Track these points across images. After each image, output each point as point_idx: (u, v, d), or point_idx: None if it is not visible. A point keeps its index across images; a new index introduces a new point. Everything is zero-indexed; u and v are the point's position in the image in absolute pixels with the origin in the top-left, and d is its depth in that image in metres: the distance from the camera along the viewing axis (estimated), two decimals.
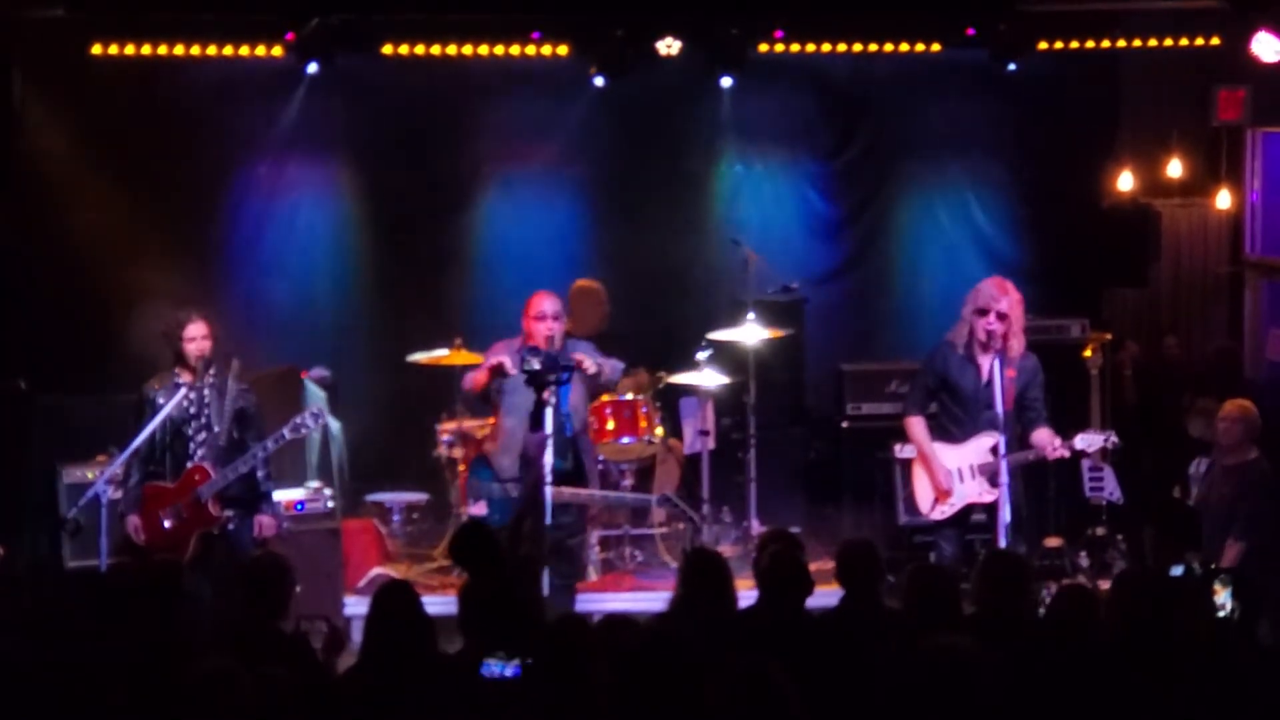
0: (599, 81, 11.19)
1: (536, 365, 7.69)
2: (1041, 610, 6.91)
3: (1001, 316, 8.44)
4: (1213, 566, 7.11)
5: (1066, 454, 8.57)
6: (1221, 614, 6.40)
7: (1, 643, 5.80)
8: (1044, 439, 8.51)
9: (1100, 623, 5.78)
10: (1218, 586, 6.49)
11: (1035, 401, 8.59)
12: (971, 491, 8.54)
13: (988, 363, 8.47)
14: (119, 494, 8.58)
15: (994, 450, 8.42)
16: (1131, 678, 5.46)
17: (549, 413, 8.19)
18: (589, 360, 8.59)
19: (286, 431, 8.32)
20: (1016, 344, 8.51)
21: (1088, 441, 8.58)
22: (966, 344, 8.57)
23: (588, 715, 5.09)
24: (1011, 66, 11.33)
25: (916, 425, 8.73)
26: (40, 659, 5.39)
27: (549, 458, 8.15)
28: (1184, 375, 11.74)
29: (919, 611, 6.09)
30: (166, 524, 8.30)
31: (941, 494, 8.57)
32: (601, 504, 9.34)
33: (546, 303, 8.61)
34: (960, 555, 8.56)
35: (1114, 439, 8.70)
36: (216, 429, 8.34)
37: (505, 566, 6.46)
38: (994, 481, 8.40)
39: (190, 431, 8.34)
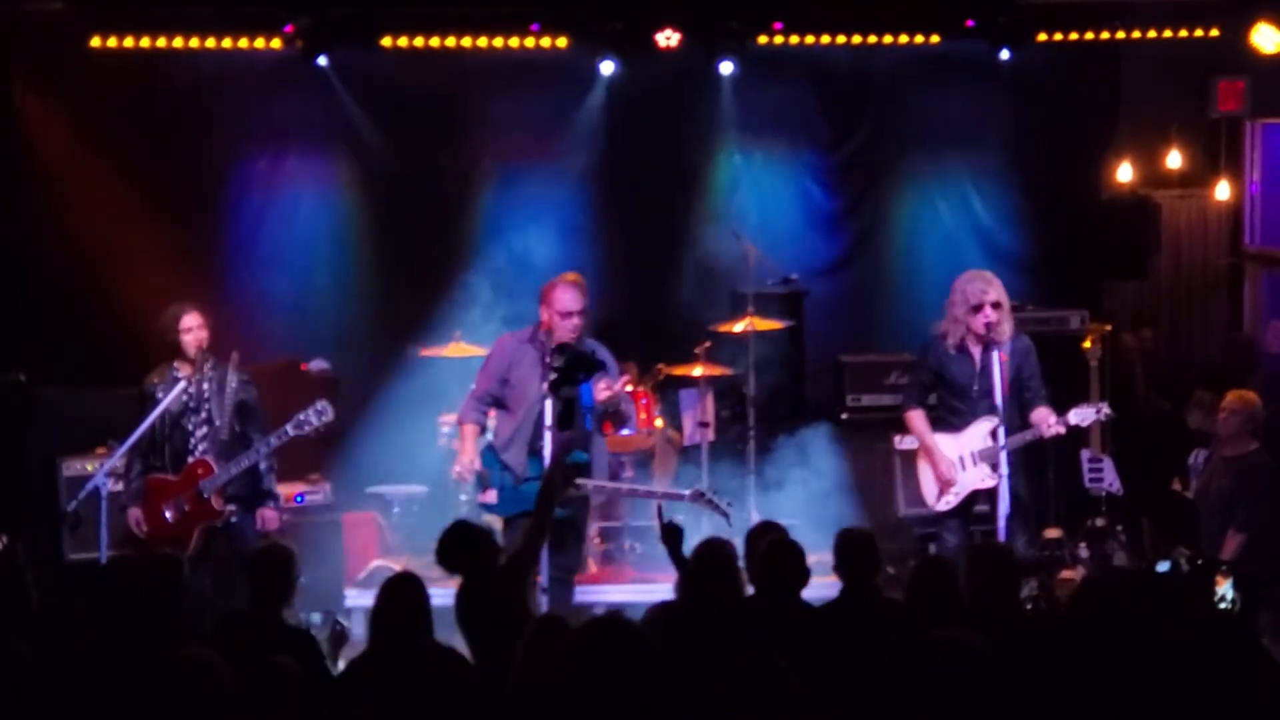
0: (608, 69, 11.18)
1: (563, 363, 7.63)
2: (1031, 605, 6.94)
3: (996, 306, 8.49)
4: (1202, 561, 7.11)
5: (1062, 430, 8.56)
6: (1223, 605, 6.41)
7: (2, 634, 5.79)
8: (1041, 416, 8.53)
9: (1122, 613, 5.75)
10: (1219, 578, 6.49)
11: (1032, 380, 8.62)
12: (974, 479, 8.55)
13: (980, 352, 8.50)
14: (119, 486, 8.59)
15: (993, 434, 8.43)
16: (1131, 671, 5.45)
17: (548, 405, 8.19)
18: (613, 387, 8.42)
19: (290, 428, 8.30)
20: (1008, 327, 8.56)
21: (1081, 416, 8.58)
22: (959, 338, 8.59)
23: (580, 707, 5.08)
24: (1006, 55, 11.32)
25: (916, 418, 8.77)
26: (41, 651, 5.39)
27: (548, 449, 8.14)
28: (1164, 366, 11.73)
29: (923, 605, 6.09)
30: (168, 516, 8.30)
31: (945, 484, 8.59)
32: (629, 497, 9.26)
33: (572, 298, 8.36)
34: (964, 546, 8.55)
35: (1106, 410, 8.68)
36: (218, 423, 8.33)
37: (494, 568, 6.43)
38: (996, 466, 8.40)
39: (190, 425, 8.34)
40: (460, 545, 6.49)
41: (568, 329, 8.34)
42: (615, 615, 4.96)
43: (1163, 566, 6.99)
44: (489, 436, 8.63)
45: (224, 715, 4.95)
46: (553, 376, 7.65)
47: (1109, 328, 11.19)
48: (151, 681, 5.24)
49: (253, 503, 8.42)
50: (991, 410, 8.42)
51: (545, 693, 4.96)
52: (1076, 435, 10.46)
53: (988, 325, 8.46)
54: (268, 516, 8.42)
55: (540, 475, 8.23)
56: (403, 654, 5.57)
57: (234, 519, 8.35)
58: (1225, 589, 6.56)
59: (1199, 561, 7.49)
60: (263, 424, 8.44)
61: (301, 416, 8.31)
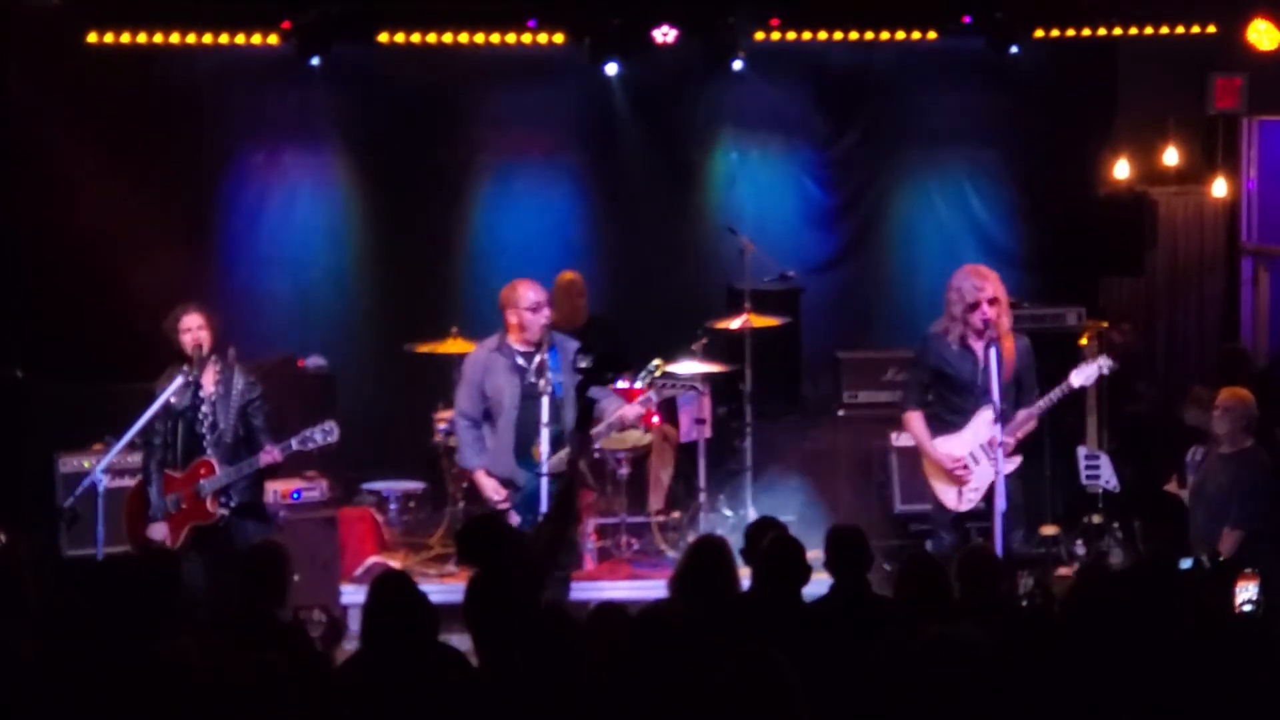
0: (612, 69, 11.19)
1: (590, 364, 7.63)
2: (1027, 601, 6.94)
3: (993, 302, 8.46)
4: (1221, 559, 7.10)
5: (1048, 404, 8.48)
6: (1247, 608, 6.37)
7: (4, 630, 5.80)
8: (1028, 412, 8.48)
9: (1119, 607, 5.75)
10: (1243, 579, 6.45)
11: (1030, 384, 8.59)
12: (989, 471, 8.45)
13: (982, 349, 8.47)
14: (115, 483, 8.59)
15: (992, 423, 8.35)
16: (1130, 666, 5.45)
17: (545, 402, 8.21)
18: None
19: (294, 442, 8.29)
20: (1006, 320, 8.54)
21: (1084, 375, 8.53)
22: (960, 335, 8.56)
23: (582, 702, 5.09)
24: (1014, 50, 11.32)
25: (915, 421, 8.65)
26: (40, 647, 5.39)
27: (545, 447, 8.16)
28: (1140, 361, 11.73)
29: (914, 602, 6.10)
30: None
31: (959, 484, 8.49)
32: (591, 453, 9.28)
33: (534, 292, 8.45)
34: (960, 544, 8.52)
35: (1107, 362, 8.64)
36: (222, 426, 8.31)
37: (513, 565, 6.42)
38: (1009, 450, 8.35)
39: (200, 427, 8.29)
40: (483, 537, 6.49)
41: (539, 323, 8.38)
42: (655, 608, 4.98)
43: (1186, 563, 6.95)
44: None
45: (199, 708, 4.95)
46: (580, 379, 7.64)
47: (1106, 324, 11.20)
48: (147, 677, 5.26)
49: (248, 512, 8.39)
50: (989, 403, 8.37)
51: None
52: (1074, 432, 10.50)
53: (985, 321, 8.44)
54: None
55: (531, 473, 8.30)
56: (395, 652, 5.56)
57: (237, 524, 8.32)
58: (1251, 590, 6.49)
59: (1220, 560, 7.48)
60: (269, 424, 8.41)
61: (307, 433, 8.30)
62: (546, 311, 8.45)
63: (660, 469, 10.54)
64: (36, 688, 4.93)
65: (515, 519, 8.33)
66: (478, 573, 6.40)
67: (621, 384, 9.97)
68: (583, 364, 7.29)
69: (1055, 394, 8.47)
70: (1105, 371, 8.65)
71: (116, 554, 8.00)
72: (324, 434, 8.34)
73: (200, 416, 8.29)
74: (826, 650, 5.84)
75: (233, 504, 8.29)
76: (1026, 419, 8.45)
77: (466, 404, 8.57)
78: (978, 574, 6.37)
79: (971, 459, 8.47)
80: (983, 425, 8.43)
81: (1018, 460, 8.44)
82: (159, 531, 8.25)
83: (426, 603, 5.76)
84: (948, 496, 8.58)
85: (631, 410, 8.73)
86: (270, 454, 8.24)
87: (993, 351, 8.33)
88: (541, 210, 11.86)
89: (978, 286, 8.45)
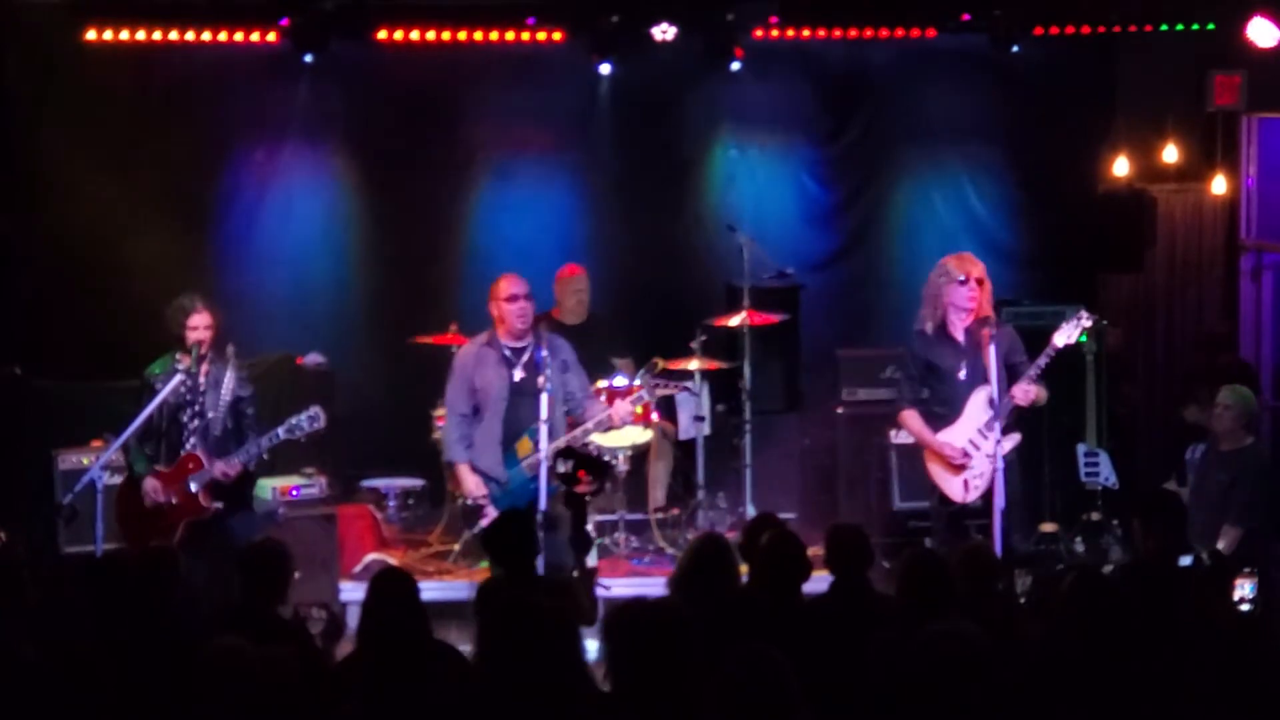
0: (606, 69, 11.19)
1: (565, 469, 7.64)
2: (1025, 599, 6.96)
3: (980, 282, 8.50)
4: (1221, 557, 7.10)
5: (1037, 371, 8.45)
6: (1244, 606, 6.37)
7: (3, 629, 5.80)
8: (1016, 387, 8.47)
9: (1118, 606, 5.74)
10: (1240, 578, 6.46)
11: (1022, 364, 8.58)
12: (989, 454, 8.41)
13: (965, 338, 8.48)
14: (114, 480, 8.60)
15: (990, 402, 8.32)
16: (1130, 664, 5.46)
17: (544, 400, 8.22)
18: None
19: (281, 431, 8.30)
20: (990, 307, 8.55)
21: (1065, 334, 8.52)
22: (939, 325, 8.57)
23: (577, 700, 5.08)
24: (1014, 49, 11.32)
25: (912, 418, 8.64)
26: (37, 645, 5.39)
27: (544, 442, 8.19)
28: (1128, 364, 11.73)
29: (915, 599, 6.10)
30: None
31: (961, 471, 8.46)
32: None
33: (516, 285, 8.63)
34: (960, 541, 8.49)
35: (1086, 315, 8.62)
36: (211, 416, 8.32)
37: (533, 569, 6.41)
38: (1006, 429, 8.34)
39: (185, 418, 8.33)
40: (510, 537, 6.49)
41: (516, 313, 8.51)
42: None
43: (1185, 560, 6.95)
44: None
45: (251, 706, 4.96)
46: (561, 486, 7.68)
47: (1105, 322, 11.18)
48: (154, 674, 5.26)
49: (241, 500, 8.41)
50: (984, 385, 8.35)
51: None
52: (1073, 430, 10.49)
53: (969, 300, 8.46)
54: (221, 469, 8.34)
55: (515, 468, 8.36)
56: (393, 649, 5.56)
57: (227, 517, 8.33)
58: (1248, 589, 6.49)
59: (1221, 558, 7.48)
60: (257, 421, 8.43)
61: (294, 421, 8.31)
62: (523, 304, 8.58)
63: (659, 466, 10.54)
64: (36, 687, 4.92)
65: (493, 514, 8.36)
66: (494, 574, 6.40)
67: (621, 381, 9.99)
68: (561, 469, 7.28)
69: (1041, 360, 8.47)
70: (1088, 324, 8.64)
71: (115, 551, 8.01)
72: (310, 420, 8.35)
73: (186, 403, 8.31)
74: (825, 648, 5.84)
75: (222, 485, 8.29)
76: (1021, 394, 8.43)
77: (455, 398, 8.67)
78: (978, 572, 6.38)
79: (971, 445, 8.45)
80: (978, 409, 8.42)
81: (1016, 437, 8.44)
82: (150, 485, 8.26)
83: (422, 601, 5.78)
84: (953, 488, 8.55)
85: (620, 411, 8.71)
86: (232, 465, 8.22)
87: (991, 347, 8.32)
88: (540, 207, 11.84)
89: (962, 267, 8.51)
